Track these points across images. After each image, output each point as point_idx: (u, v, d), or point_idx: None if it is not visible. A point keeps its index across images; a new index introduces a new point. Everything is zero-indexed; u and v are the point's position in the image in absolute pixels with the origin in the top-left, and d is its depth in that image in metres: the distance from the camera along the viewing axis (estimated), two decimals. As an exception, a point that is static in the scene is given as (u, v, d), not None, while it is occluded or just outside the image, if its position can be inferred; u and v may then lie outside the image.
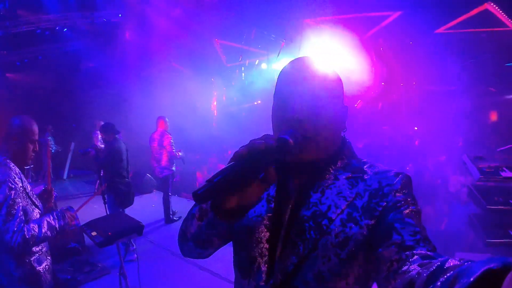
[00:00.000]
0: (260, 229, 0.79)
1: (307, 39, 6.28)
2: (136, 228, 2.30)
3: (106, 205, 4.04)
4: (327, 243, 0.71)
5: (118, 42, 8.30)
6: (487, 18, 5.02)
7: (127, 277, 2.32)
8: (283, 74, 0.80)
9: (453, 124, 9.15)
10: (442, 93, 8.96)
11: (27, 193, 1.49)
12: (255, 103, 10.34)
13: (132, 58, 8.32)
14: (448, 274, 0.36)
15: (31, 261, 1.49)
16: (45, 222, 1.51)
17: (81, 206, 1.96)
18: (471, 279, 0.30)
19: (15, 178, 1.45)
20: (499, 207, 2.31)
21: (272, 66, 8.10)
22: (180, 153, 5.28)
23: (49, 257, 1.62)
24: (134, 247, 3.78)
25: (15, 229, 1.36)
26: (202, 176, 7.68)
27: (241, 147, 0.61)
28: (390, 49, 7.71)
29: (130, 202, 4.16)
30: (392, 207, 0.69)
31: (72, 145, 9.16)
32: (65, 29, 7.47)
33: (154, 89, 8.94)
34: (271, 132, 0.77)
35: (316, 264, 0.71)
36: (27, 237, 1.39)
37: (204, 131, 8.76)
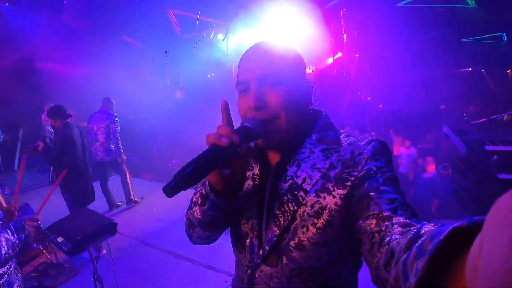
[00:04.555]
0: (249, 207, 0.85)
1: (265, 9, 6.01)
2: (109, 228, 2.01)
3: (65, 201, 3.63)
4: (304, 213, 0.75)
5: (64, 16, 7.43)
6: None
7: (103, 282, 2.06)
8: (240, 63, 0.81)
9: (406, 95, 9.55)
10: (398, 65, 9.22)
11: None
12: (209, 75, 10.05)
13: (80, 33, 7.55)
14: (423, 238, 0.37)
15: None
16: (3, 240, 1.20)
17: (41, 206, 1.66)
18: (441, 237, 0.31)
19: None
20: (485, 179, 2.35)
21: (229, 37, 7.76)
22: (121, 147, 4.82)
23: (19, 274, 1.32)
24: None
25: None
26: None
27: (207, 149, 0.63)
28: (351, 20, 7.68)
29: (91, 198, 3.72)
30: (366, 176, 0.70)
31: (21, 132, 8.26)
32: (6, 4, 6.48)
33: (106, 66, 8.25)
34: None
35: (297, 234, 0.75)
36: None
37: (159, 106, 8.37)
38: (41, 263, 3.20)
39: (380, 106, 10.26)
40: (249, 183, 0.87)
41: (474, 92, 8.95)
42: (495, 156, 2.71)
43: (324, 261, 0.76)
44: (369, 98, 10.88)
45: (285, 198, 0.77)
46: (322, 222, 0.73)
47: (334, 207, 0.72)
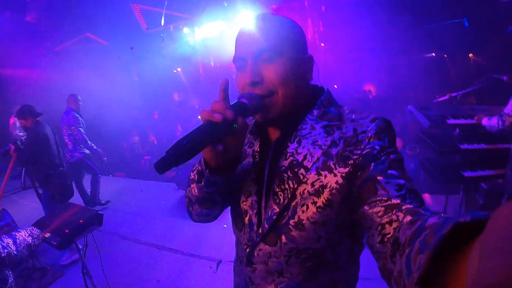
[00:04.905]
0: (248, 184, 0.83)
1: (231, 2, 6.03)
2: (95, 219, 2.02)
3: (42, 202, 3.54)
4: (304, 191, 0.73)
5: (28, 15, 7.06)
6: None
7: (92, 276, 2.07)
8: (237, 38, 0.79)
9: (372, 81, 9.88)
10: (363, 52, 9.52)
11: None
12: (175, 71, 9.91)
13: (43, 33, 7.20)
14: (426, 232, 0.37)
15: None
16: (21, 237, 1.20)
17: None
18: (444, 231, 0.31)
19: None
20: (448, 149, 2.56)
21: (194, 30, 7.69)
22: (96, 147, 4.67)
23: (11, 272, 1.32)
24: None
25: None
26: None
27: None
28: (315, 10, 7.82)
29: (70, 195, 3.64)
30: (369, 155, 0.68)
31: (-14, 138, 7.80)
32: None
33: (71, 65, 7.93)
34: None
35: (296, 213, 0.74)
36: (3, 255, 1.10)
37: (126, 103, 8.19)
38: (23, 268, 3.11)
39: (370, 93, 10.51)
40: (249, 160, 0.85)
41: (436, 76, 9.39)
42: (457, 130, 2.95)
43: (323, 242, 0.75)
44: (335, 86, 11.12)
45: (285, 175, 0.75)
46: (322, 201, 0.71)
47: (335, 185, 0.70)
